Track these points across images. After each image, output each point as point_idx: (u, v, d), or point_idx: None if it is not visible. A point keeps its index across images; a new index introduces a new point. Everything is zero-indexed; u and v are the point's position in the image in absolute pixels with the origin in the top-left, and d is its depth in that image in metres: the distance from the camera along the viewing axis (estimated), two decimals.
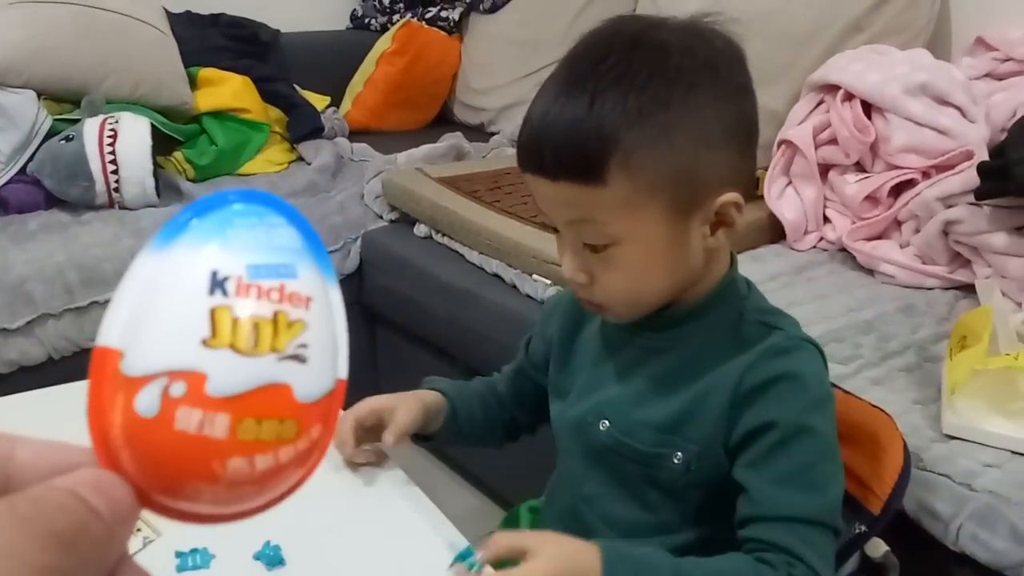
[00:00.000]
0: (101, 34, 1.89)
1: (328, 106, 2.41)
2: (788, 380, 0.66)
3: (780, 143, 1.66)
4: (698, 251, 0.68)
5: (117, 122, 1.72)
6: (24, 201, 1.71)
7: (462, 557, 0.65)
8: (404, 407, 0.79)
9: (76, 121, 1.76)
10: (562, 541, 0.64)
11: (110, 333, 0.23)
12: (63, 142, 1.69)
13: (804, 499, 0.64)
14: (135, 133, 1.72)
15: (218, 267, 0.23)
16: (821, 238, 1.61)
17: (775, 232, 1.63)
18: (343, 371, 0.25)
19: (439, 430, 0.84)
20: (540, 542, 0.63)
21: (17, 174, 1.72)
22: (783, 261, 1.54)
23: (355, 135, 2.31)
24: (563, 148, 0.63)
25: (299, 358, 0.23)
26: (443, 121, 2.59)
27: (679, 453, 0.70)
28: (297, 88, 2.27)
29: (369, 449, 0.80)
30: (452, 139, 2.15)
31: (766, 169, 1.68)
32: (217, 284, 0.23)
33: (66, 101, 1.85)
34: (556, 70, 0.67)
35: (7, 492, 0.19)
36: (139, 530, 0.67)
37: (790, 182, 1.66)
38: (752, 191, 0.70)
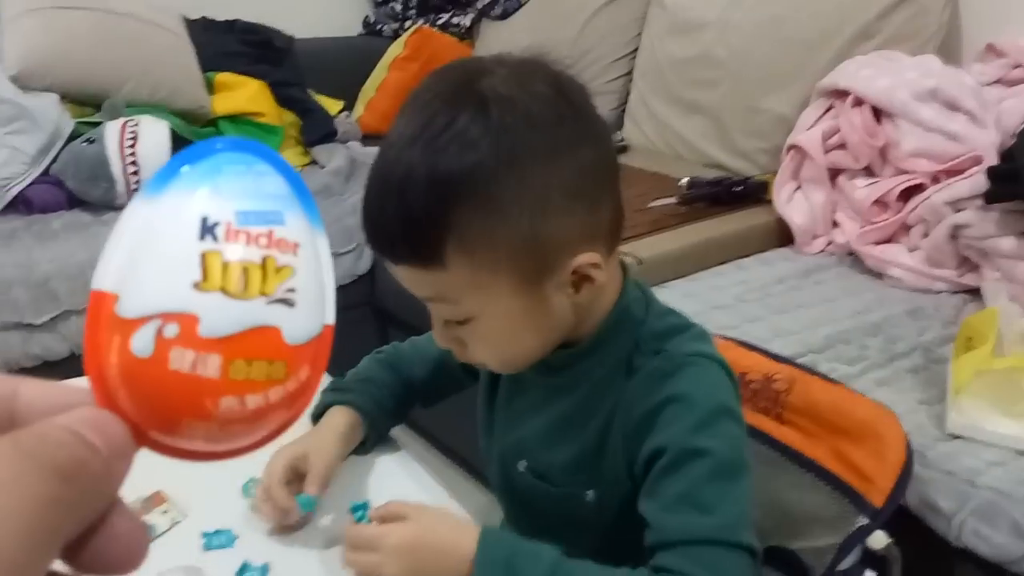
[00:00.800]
0: (121, 40, 1.93)
1: (341, 111, 2.44)
2: (673, 403, 0.64)
3: (789, 148, 1.68)
4: (564, 309, 0.64)
5: (137, 125, 1.76)
6: (47, 201, 1.74)
7: (355, 509, 0.73)
8: (316, 452, 0.74)
9: (97, 124, 1.80)
10: (443, 516, 0.67)
11: (105, 277, 0.23)
12: (85, 144, 1.73)
13: (696, 520, 0.61)
14: (154, 136, 1.75)
15: (208, 213, 0.24)
16: (830, 242, 1.62)
17: (784, 236, 1.64)
18: (331, 317, 0.26)
19: (358, 446, 0.81)
20: (421, 511, 0.66)
21: (41, 175, 1.76)
22: (791, 264, 1.55)
23: (367, 139, 2.33)
24: (397, 236, 0.61)
25: (287, 302, 0.24)
26: None
27: (590, 491, 0.69)
28: (311, 93, 2.30)
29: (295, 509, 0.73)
30: None
31: (775, 174, 1.70)
32: (207, 229, 0.23)
33: (88, 104, 1.89)
34: (391, 132, 0.61)
35: (12, 429, 0.20)
36: (166, 512, 0.70)
37: (799, 186, 1.67)
38: (617, 236, 0.64)
